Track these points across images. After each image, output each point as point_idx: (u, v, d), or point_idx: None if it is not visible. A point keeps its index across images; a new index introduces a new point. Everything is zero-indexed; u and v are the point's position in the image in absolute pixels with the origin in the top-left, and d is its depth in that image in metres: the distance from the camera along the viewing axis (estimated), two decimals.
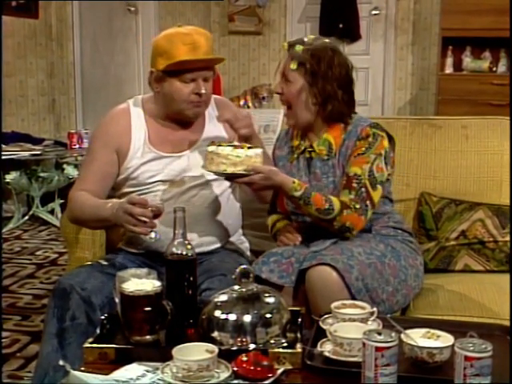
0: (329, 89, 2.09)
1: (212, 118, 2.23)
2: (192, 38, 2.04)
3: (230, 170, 1.92)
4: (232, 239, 2.26)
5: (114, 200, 2.01)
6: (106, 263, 2.08)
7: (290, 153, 2.24)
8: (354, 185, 2.06)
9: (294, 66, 2.10)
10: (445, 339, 1.51)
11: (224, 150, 1.92)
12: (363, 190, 2.06)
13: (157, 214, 1.88)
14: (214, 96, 2.24)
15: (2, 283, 3.32)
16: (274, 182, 2.00)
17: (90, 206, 2.05)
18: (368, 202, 2.06)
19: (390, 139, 2.17)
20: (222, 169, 1.92)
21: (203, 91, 2.06)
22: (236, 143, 2.00)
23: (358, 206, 2.04)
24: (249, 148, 1.95)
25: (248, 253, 2.33)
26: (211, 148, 1.94)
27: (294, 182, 2.03)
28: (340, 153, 2.13)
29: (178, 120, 2.16)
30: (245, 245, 2.34)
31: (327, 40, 2.18)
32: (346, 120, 2.15)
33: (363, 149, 2.09)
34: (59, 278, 2.03)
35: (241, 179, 1.96)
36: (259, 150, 1.97)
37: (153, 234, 1.90)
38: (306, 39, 2.15)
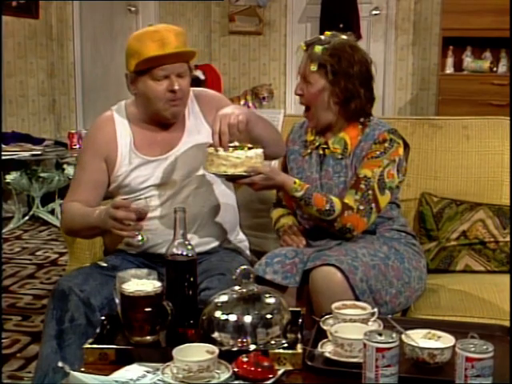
0: (351, 87, 2.08)
1: (192, 113, 2.19)
2: (160, 35, 2.01)
3: (231, 171, 1.91)
4: (231, 238, 2.25)
5: (102, 207, 2.00)
6: (105, 265, 2.08)
7: (303, 147, 2.23)
8: (362, 186, 2.05)
9: (314, 67, 2.07)
10: (446, 340, 1.51)
11: (223, 152, 1.90)
12: (370, 192, 2.05)
13: (141, 217, 1.87)
14: (192, 89, 2.19)
15: (1, 283, 3.32)
16: (276, 182, 2.00)
17: (80, 215, 2.06)
18: (373, 205, 2.05)
19: (406, 147, 2.17)
20: (222, 170, 1.91)
21: (176, 87, 2.02)
22: (236, 144, 1.98)
23: (361, 208, 2.04)
24: (249, 149, 1.94)
25: (247, 252, 2.33)
26: (211, 149, 1.93)
27: (295, 183, 2.02)
28: (354, 154, 2.12)
29: (158, 121, 2.14)
30: (244, 243, 2.33)
31: (344, 36, 2.14)
32: (365, 121, 2.14)
33: (377, 153, 2.08)
34: (58, 280, 2.03)
35: (242, 180, 1.95)
36: (259, 151, 1.96)
37: (139, 237, 1.90)
38: (322, 37, 2.12)
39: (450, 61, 5.70)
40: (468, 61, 5.62)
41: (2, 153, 4.74)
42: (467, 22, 5.33)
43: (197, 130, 2.17)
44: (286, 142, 2.30)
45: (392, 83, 6.30)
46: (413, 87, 6.32)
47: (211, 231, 2.17)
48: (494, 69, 5.55)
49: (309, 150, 2.20)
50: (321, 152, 2.17)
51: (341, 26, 5.94)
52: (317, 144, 2.18)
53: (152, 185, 2.11)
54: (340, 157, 2.13)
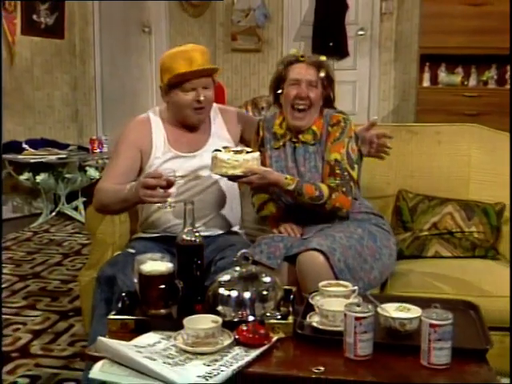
0: (332, 89, 2.21)
1: (215, 121, 2.33)
2: (189, 54, 2.15)
3: (231, 172, 2.01)
4: (234, 228, 2.35)
5: (133, 183, 2.07)
6: (133, 251, 2.11)
7: (273, 139, 2.25)
8: (338, 171, 2.11)
9: (323, 73, 2.17)
10: (414, 311, 1.54)
11: (225, 156, 2.01)
12: (346, 174, 2.11)
13: (169, 185, 1.95)
14: (218, 105, 2.35)
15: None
16: (269, 180, 2.07)
17: (113, 190, 2.13)
18: (351, 183, 2.12)
19: None
20: (224, 171, 2.02)
21: (202, 98, 2.16)
22: (238, 148, 2.09)
23: (344, 189, 2.10)
24: (247, 153, 2.04)
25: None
26: (214, 154, 2.04)
27: (286, 178, 2.08)
28: (321, 140, 2.18)
29: (187, 125, 2.26)
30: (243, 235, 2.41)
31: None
32: (322, 110, 2.23)
33: (337, 134, 2.15)
34: (102, 268, 2.06)
35: (240, 180, 2.05)
36: (256, 154, 2.05)
37: (167, 204, 1.97)
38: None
39: (426, 75, 5.72)
40: (442, 75, 5.66)
41: (32, 156, 4.80)
42: (442, 41, 5.35)
43: (220, 136, 2.30)
44: (259, 129, 2.30)
45: (376, 95, 6.31)
46: (395, 98, 6.34)
47: (221, 218, 2.28)
48: (465, 82, 5.59)
49: (281, 143, 2.23)
50: (294, 140, 2.21)
51: (330, 44, 5.98)
52: (288, 137, 2.23)
53: (180, 176, 2.16)
54: (312, 142, 2.18)
